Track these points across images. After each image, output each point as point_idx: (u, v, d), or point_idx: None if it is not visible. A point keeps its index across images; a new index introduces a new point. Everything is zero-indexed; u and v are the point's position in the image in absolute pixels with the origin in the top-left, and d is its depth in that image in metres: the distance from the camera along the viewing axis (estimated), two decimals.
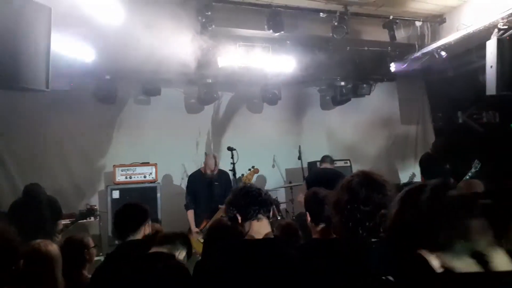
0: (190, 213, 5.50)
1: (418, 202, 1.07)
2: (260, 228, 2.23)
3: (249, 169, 5.54)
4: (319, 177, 5.31)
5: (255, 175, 5.63)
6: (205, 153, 4.96)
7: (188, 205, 5.54)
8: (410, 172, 7.79)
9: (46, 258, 2.32)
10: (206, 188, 5.49)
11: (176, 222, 5.91)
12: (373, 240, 1.75)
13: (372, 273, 1.67)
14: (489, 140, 6.93)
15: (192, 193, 5.55)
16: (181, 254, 2.49)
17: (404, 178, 7.82)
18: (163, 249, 2.37)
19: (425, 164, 6.45)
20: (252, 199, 2.26)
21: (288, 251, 2.22)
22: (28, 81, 3.42)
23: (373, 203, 1.74)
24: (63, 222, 5.10)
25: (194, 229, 5.40)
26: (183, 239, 2.59)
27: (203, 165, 5.65)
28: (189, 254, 2.64)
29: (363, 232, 1.74)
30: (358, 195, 1.76)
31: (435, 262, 1.04)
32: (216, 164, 5.58)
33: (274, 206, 6.08)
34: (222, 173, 5.79)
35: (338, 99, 7.63)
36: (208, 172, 5.51)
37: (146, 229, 2.75)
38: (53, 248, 2.40)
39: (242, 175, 5.45)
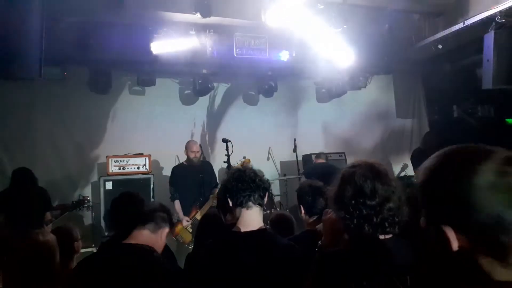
0: (177, 203, 5.56)
1: None
2: (250, 218, 2.14)
3: (241, 160, 5.55)
4: (318, 171, 5.44)
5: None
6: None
7: (173, 196, 5.59)
8: (406, 166, 7.81)
9: (44, 248, 2.31)
10: (192, 179, 5.52)
11: None
12: (381, 236, 1.65)
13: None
14: (484, 134, 6.94)
15: (176, 185, 5.61)
16: (164, 232, 2.37)
17: (396, 173, 7.85)
18: (146, 230, 2.27)
19: (416, 159, 6.45)
20: (245, 184, 2.15)
21: (278, 241, 2.14)
22: (21, 69, 3.36)
23: (379, 196, 1.64)
24: (54, 212, 5.08)
25: (183, 217, 5.47)
26: (163, 214, 2.42)
27: (185, 156, 5.70)
28: (171, 225, 2.49)
29: (369, 229, 1.63)
30: (363, 188, 1.64)
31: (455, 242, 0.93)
32: (200, 149, 5.66)
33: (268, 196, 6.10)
34: (206, 163, 5.86)
35: (334, 91, 7.61)
36: (192, 156, 5.54)
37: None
38: (51, 238, 2.39)
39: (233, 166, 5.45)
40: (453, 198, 0.89)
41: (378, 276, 1.56)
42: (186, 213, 5.53)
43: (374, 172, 1.68)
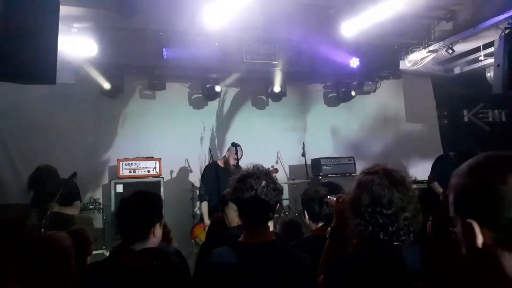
0: (205, 205, 5.35)
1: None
2: (260, 231, 1.99)
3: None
4: None
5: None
6: (233, 144, 4.91)
7: (203, 196, 5.37)
8: (414, 170, 7.77)
9: (58, 249, 2.35)
10: (222, 181, 5.35)
11: (179, 217, 5.94)
12: (395, 243, 1.65)
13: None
14: (495, 139, 6.89)
15: (208, 184, 5.38)
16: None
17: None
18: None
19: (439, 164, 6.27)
20: (261, 206, 1.95)
21: (290, 252, 2.02)
22: (35, 75, 3.43)
23: (396, 206, 1.64)
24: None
25: (207, 222, 5.23)
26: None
27: (225, 156, 5.44)
28: None
29: (384, 237, 1.65)
30: (380, 198, 1.64)
31: (480, 237, 0.97)
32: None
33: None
34: (237, 169, 5.69)
35: (342, 96, 7.61)
36: (232, 162, 5.37)
37: (157, 231, 2.17)
38: (66, 239, 2.42)
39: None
40: (484, 196, 0.96)
41: (388, 281, 1.58)
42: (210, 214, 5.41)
43: (392, 181, 1.68)
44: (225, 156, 5.50)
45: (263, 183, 1.96)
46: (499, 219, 0.93)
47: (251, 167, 2.04)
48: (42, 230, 4.39)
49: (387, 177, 1.69)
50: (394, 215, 1.63)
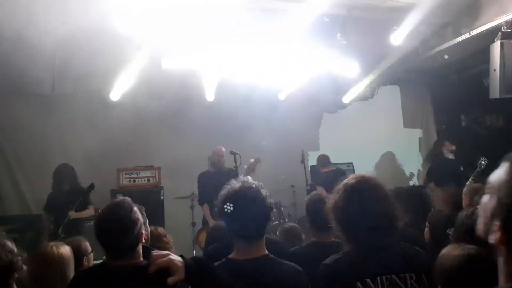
0: (206, 207, 5.51)
1: None
2: (250, 248, 1.88)
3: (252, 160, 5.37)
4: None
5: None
6: (231, 152, 5.24)
7: (202, 200, 5.55)
8: (413, 175, 7.80)
9: (58, 260, 2.39)
10: (216, 186, 5.40)
11: (180, 225, 5.92)
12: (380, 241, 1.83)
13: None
14: (492, 143, 6.91)
15: (204, 190, 5.56)
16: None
17: (405, 182, 7.82)
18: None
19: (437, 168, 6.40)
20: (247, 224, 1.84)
21: (282, 268, 1.90)
22: (33, 85, 3.45)
23: (374, 209, 1.82)
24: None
25: (211, 222, 5.32)
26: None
27: (210, 161, 5.75)
28: None
29: (366, 236, 1.81)
30: (359, 202, 1.82)
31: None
32: (224, 154, 5.67)
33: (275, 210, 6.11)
34: (231, 170, 5.77)
35: (340, 102, 7.63)
36: (217, 161, 5.52)
37: (142, 235, 2.17)
38: (65, 250, 2.46)
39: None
40: None
41: (379, 274, 1.75)
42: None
43: (369, 187, 1.88)
44: (210, 162, 5.76)
45: (246, 203, 1.85)
46: None
47: (240, 183, 1.94)
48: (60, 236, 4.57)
49: (364, 184, 1.90)
50: (373, 217, 1.81)
